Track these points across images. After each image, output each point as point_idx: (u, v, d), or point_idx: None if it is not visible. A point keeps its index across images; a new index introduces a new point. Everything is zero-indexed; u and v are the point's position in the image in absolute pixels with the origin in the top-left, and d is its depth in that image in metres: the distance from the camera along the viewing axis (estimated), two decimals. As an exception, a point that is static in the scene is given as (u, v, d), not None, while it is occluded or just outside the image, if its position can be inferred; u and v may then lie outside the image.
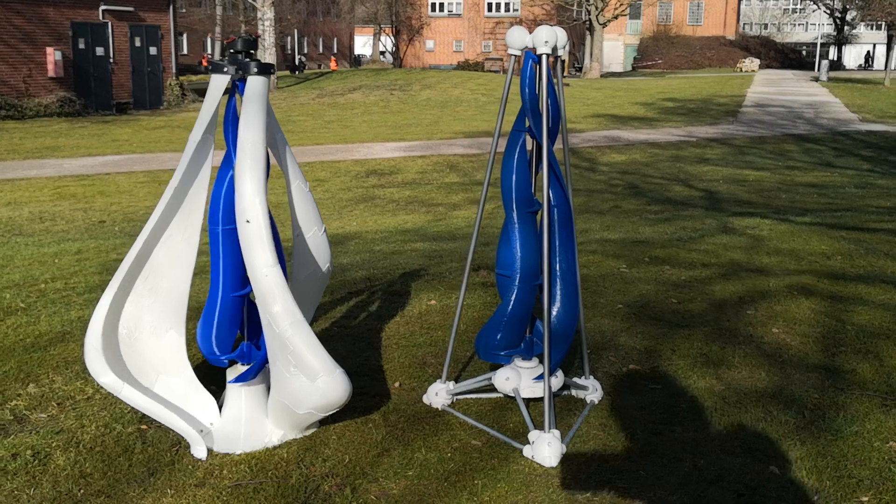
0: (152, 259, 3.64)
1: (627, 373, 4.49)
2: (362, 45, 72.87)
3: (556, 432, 3.58)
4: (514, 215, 3.71)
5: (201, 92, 34.29)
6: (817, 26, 74.04)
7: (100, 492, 3.35)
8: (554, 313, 3.84)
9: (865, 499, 3.29)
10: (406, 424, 3.89)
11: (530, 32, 3.59)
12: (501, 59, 54.58)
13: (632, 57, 65.47)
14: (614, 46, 64.80)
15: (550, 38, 3.52)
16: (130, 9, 29.12)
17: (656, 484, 3.39)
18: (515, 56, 3.72)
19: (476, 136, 21.75)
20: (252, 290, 3.78)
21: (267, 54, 33.62)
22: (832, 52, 70.61)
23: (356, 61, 67.62)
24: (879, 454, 3.63)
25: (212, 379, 4.14)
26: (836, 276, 6.44)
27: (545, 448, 3.52)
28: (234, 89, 3.61)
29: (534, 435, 3.60)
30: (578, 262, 4.02)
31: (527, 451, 3.59)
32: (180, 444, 3.71)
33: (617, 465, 3.52)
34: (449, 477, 3.44)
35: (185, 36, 52.19)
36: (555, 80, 3.65)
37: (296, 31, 60.13)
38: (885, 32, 51.45)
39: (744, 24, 77.84)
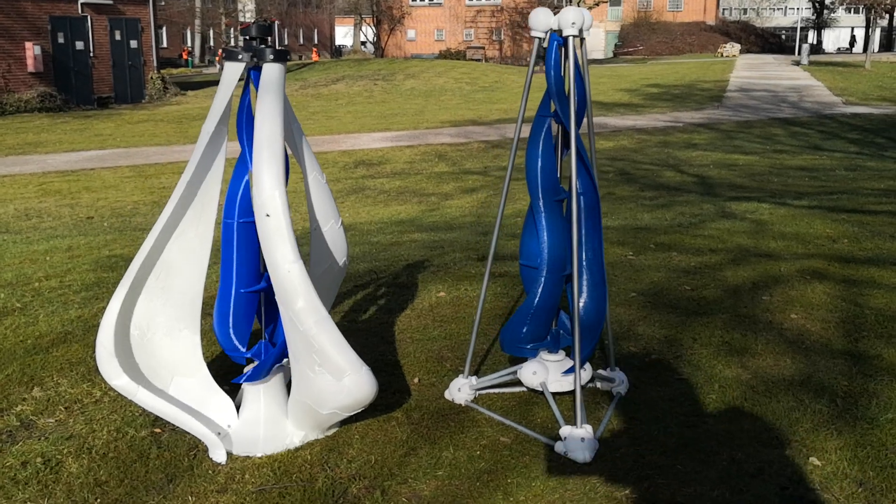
0: (164, 256, 3.48)
1: (650, 363, 4.38)
2: (343, 35, 72.41)
3: (589, 427, 3.47)
4: (541, 204, 3.57)
5: (183, 85, 33.97)
6: (796, 10, 74.20)
7: (117, 501, 3.21)
8: (581, 305, 3.72)
9: (911, 489, 3.19)
10: (430, 422, 3.76)
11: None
12: (483, 48, 54.38)
13: (613, 43, 65.35)
14: (595, 33, 64.62)
15: (577, 19, 3.39)
16: (109, 2, 28.72)
17: (695, 479, 3.28)
18: (539, 38, 3.58)
19: (462, 125, 21.59)
20: (265, 287, 3.65)
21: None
22: (811, 36, 70.81)
23: (337, 52, 67.20)
24: (919, 442, 3.54)
25: (226, 378, 4.00)
26: (846, 260, 6.35)
27: (578, 444, 3.40)
28: (248, 81, 3.46)
29: (565, 431, 3.48)
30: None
31: (559, 447, 3.47)
32: (197, 447, 3.57)
33: (653, 461, 3.41)
34: (481, 476, 3.32)
35: (164, 29, 51.61)
36: (581, 63, 3.52)
37: (277, 22, 59.63)
38: (864, 16, 51.63)
39: (723, 9, 77.92)
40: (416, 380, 4.21)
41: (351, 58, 53.06)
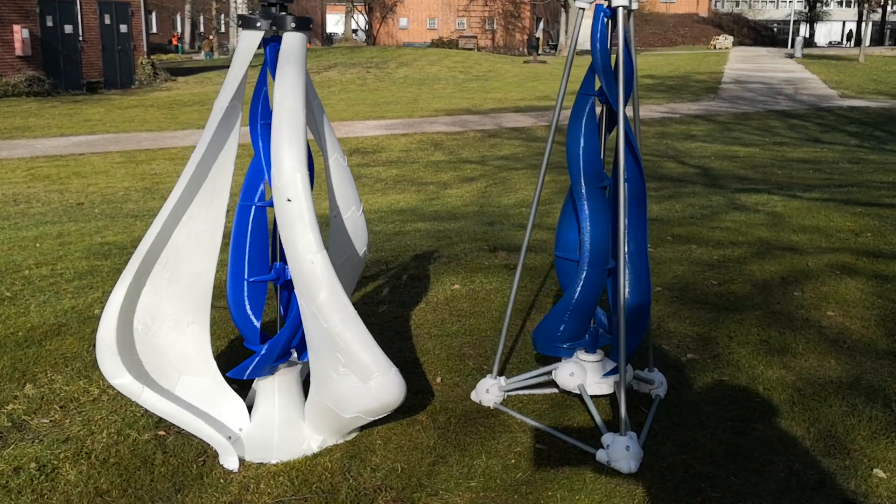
0: (172, 242, 3.17)
1: (687, 363, 4.11)
2: (334, 23, 71.70)
3: (633, 435, 3.19)
4: (583, 190, 3.28)
5: (173, 71, 33.47)
6: (788, 3, 74.05)
7: (120, 512, 2.91)
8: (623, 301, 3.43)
9: None
10: (458, 426, 3.47)
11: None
12: (476, 37, 54.00)
13: (605, 34, 65.01)
14: (587, 25, 64.28)
15: (627, -12, 3.10)
16: (98, -16, 28.21)
17: (752, 492, 3.00)
18: (583, 9, 3.29)
19: (457, 113, 21.28)
20: (273, 279, 3.36)
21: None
22: (803, 29, 70.65)
23: (328, 39, 66.58)
24: None
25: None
26: (874, 255, 6.10)
27: (623, 452, 3.12)
28: (265, 62, 3.14)
29: (608, 438, 3.19)
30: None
31: (600, 455, 3.18)
32: (206, 452, 3.27)
33: (704, 471, 3.13)
34: (518, 488, 3.03)
35: (154, 14, 50.90)
36: (629, 36, 3.23)
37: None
38: (856, 9, 51.50)
39: (716, 1, 77.66)
40: (438, 379, 3.92)
41: (342, 45, 52.57)
